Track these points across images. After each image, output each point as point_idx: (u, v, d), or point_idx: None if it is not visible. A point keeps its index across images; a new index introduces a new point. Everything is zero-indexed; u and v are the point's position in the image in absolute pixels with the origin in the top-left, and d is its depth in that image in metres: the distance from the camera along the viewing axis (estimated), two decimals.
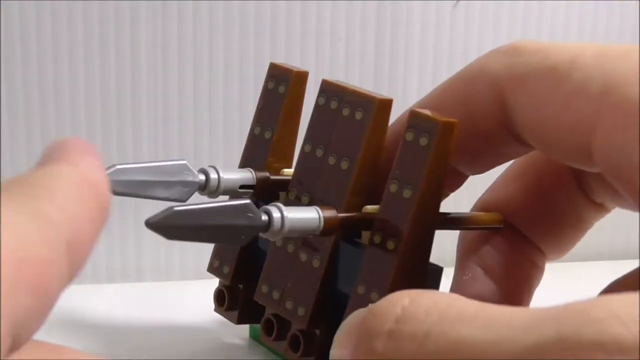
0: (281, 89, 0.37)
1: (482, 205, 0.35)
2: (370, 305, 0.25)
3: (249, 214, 0.28)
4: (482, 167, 0.33)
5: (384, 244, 0.31)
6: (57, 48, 0.44)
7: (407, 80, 0.47)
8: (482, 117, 0.31)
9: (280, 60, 0.46)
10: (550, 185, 0.34)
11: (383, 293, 0.30)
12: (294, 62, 0.46)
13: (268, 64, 0.46)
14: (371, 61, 0.47)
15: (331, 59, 0.46)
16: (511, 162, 0.35)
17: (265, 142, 0.37)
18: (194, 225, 0.27)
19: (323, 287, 0.32)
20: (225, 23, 0.45)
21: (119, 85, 0.45)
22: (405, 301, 0.24)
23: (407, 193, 0.30)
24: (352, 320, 0.26)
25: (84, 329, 0.40)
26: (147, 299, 0.43)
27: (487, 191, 0.35)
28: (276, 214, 0.29)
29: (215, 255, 0.37)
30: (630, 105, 0.26)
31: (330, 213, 0.31)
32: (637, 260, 0.29)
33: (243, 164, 0.37)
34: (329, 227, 0.31)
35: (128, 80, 0.45)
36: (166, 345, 0.38)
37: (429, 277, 0.31)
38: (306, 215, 0.31)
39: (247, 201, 0.28)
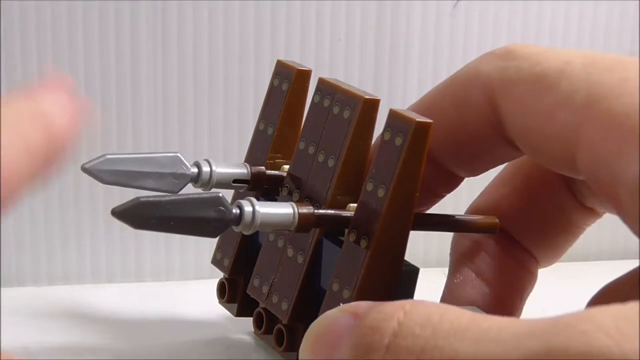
0: (284, 86, 0.37)
1: (475, 210, 0.35)
2: (364, 319, 0.25)
3: (220, 207, 0.28)
4: (477, 170, 0.33)
5: (357, 242, 0.31)
6: (57, 48, 0.44)
7: (407, 80, 0.47)
8: (475, 120, 0.31)
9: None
10: (541, 190, 0.34)
11: (352, 290, 0.30)
12: None
13: (268, 64, 0.46)
14: (371, 61, 0.47)
15: (331, 59, 0.46)
16: (504, 165, 0.35)
17: (267, 137, 0.37)
18: (160, 216, 0.27)
19: (305, 282, 0.33)
20: (225, 23, 0.45)
21: (119, 84, 0.45)
22: (401, 315, 0.24)
23: (380, 192, 0.30)
24: (320, 324, 0.26)
25: (83, 329, 0.40)
26: (147, 299, 0.43)
27: (479, 196, 0.35)
28: (248, 208, 0.30)
29: (218, 247, 0.38)
30: (613, 117, 0.26)
31: (307, 209, 0.31)
32: (637, 260, 0.29)
33: (247, 159, 0.37)
34: (304, 223, 0.31)
35: (128, 80, 0.45)
36: (166, 345, 0.38)
37: (403, 277, 0.31)
38: (279, 211, 0.31)
39: (218, 194, 0.28)
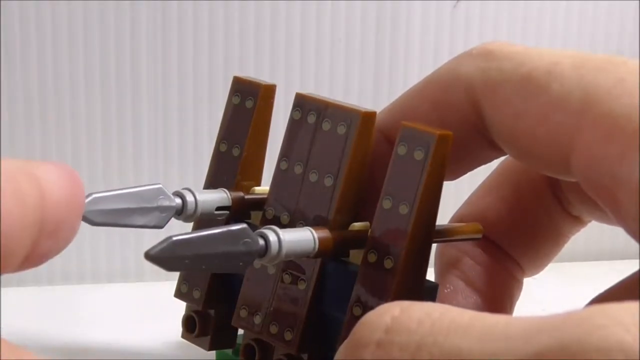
0: (249, 104, 0.35)
1: (459, 218, 0.34)
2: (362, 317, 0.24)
3: (246, 239, 0.27)
4: (457, 172, 0.32)
5: (380, 263, 0.29)
6: (57, 48, 0.44)
7: (407, 80, 0.47)
8: (457, 122, 0.30)
9: (280, 61, 0.46)
10: (527, 199, 0.33)
11: None
12: (294, 63, 0.46)
13: (268, 64, 0.46)
14: (371, 61, 0.47)
15: (331, 59, 0.46)
16: (487, 176, 0.34)
17: (233, 159, 0.35)
18: (193, 255, 0.26)
19: (311, 309, 0.31)
20: (225, 23, 0.45)
21: (119, 85, 0.45)
22: (396, 311, 0.23)
23: (403, 209, 0.29)
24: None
25: (83, 329, 0.40)
26: (147, 299, 0.43)
27: (462, 206, 0.35)
28: (272, 237, 0.28)
29: (184, 279, 0.36)
30: (612, 119, 0.26)
31: (324, 233, 0.30)
32: (637, 260, 0.29)
33: (210, 183, 0.35)
34: (323, 248, 0.30)
35: (128, 80, 0.45)
36: (166, 345, 0.38)
37: (426, 294, 0.30)
38: (301, 237, 0.29)
39: (244, 225, 0.27)
